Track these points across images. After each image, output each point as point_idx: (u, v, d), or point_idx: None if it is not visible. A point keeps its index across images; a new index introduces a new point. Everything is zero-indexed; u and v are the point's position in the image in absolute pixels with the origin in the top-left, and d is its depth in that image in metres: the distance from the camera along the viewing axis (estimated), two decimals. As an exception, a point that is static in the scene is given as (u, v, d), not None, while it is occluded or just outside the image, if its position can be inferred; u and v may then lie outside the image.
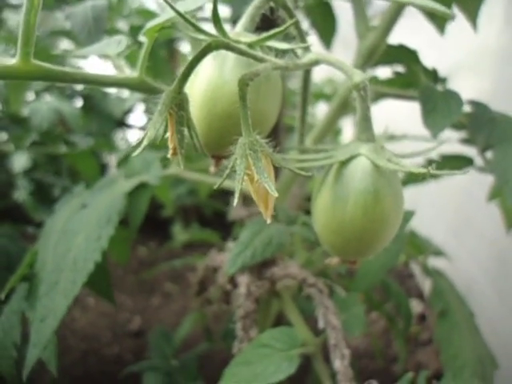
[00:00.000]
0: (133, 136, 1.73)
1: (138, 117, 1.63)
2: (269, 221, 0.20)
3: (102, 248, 0.38)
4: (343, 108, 0.41)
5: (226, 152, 0.26)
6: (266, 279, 0.41)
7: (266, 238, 0.36)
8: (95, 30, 0.62)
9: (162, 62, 0.88)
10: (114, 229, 0.39)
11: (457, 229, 1.19)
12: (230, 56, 0.24)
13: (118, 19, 0.99)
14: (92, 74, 0.26)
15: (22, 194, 1.24)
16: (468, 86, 1.05)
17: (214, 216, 1.71)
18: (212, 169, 0.27)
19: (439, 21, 0.53)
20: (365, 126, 0.24)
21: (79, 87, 1.38)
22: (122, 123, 1.62)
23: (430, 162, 0.70)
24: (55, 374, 0.40)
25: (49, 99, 1.16)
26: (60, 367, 0.44)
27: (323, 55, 0.24)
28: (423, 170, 0.22)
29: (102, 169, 1.44)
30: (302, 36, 0.26)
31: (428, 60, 0.60)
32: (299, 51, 0.26)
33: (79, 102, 1.36)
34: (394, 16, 0.41)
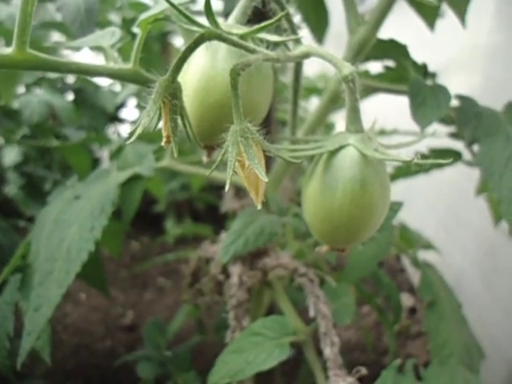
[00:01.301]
0: (125, 130, 1.73)
1: (130, 111, 1.62)
2: (259, 207, 0.21)
3: (96, 238, 0.39)
4: (334, 102, 0.42)
5: (218, 142, 0.27)
6: (258, 269, 0.42)
7: (258, 227, 0.36)
8: (87, 21, 0.62)
9: (155, 55, 0.88)
10: (107, 219, 0.40)
11: (447, 223, 1.21)
12: (222, 47, 0.24)
13: (110, 11, 0.98)
14: (86, 63, 0.27)
15: (12, 188, 1.23)
16: (458, 83, 1.06)
17: (207, 210, 1.71)
18: (204, 159, 0.28)
19: (429, 18, 0.54)
20: (353, 117, 0.25)
21: (71, 80, 1.37)
22: (114, 117, 1.61)
23: (418, 155, 0.71)
24: (49, 362, 0.41)
25: (39, 92, 1.14)
26: (52, 361, 0.45)
27: (314, 48, 0.25)
28: (409, 160, 0.23)
29: (95, 163, 1.43)
30: (293, 29, 0.27)
31: (419, 57, 0.61)
32: (290, 44, 0.27)
33: (70, 96, 1.35)
34: (384, 10, 0.41)
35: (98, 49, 0.78)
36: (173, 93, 0.21)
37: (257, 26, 0.23)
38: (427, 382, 0.41)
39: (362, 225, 0.26)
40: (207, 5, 0.21)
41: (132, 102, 1.59)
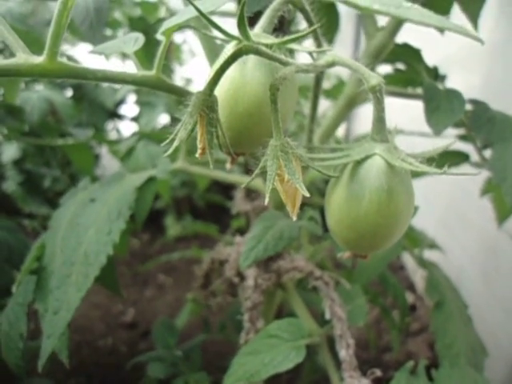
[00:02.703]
0: (125, 127, 1.73)
1: (129, 107, 1.62)
2: (294, 218, 0.21)
3: (114, 242, 0.39)
4: (350, 106, 0.42)
5: (244, 150, 0.27)
6: (272, 272, 0.42)
7: (277, 232, 0.37)
8: (97, 21, 0.62)
9: (155, 44, 0.88)
10: (124, 223, 0.40)
11: (447, 221, 1.22)
12: (251, 57, 0.25)
13: (115, 10, 0.98)
14: (111, 71, 0.27)
15: (11, 184, 1.23)
16: (458, 82, 1.07)
17: (207, 207, 1.72)
18: (228, 165, 0.28)
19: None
20: (379, 127, 0.26)
21: None
22: (113, 114, 1.61)
23: (428, 158, 0.72)
24: (67, 364, 0.41)
25: (39, 88, 1.14)
26: (55, 358, 0.45)
27: (340, 57, 0.25)
28: (438, 171, 0.23)
29: (94, 159, 1.43)
30: (317, 37, 0.27)
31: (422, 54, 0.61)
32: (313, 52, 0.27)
33: (70, 92, 1.35)
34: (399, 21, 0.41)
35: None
36: (210, 106, 0.21)
37: (288, 37, 0.23)
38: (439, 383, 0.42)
39: (386, 233, 0.26)
40: (241, 18, 0.21)
41: (131, 98, 1.58)
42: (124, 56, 1.25)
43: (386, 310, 0.79)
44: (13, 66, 0.23)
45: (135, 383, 0.75)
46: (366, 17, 0.41)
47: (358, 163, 0.26)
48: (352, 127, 2.07)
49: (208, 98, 0.22)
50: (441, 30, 0.58)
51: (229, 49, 0.26)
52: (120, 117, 1.67)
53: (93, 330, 1.21)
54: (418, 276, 1.38)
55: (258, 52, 0.21)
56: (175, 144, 0.21)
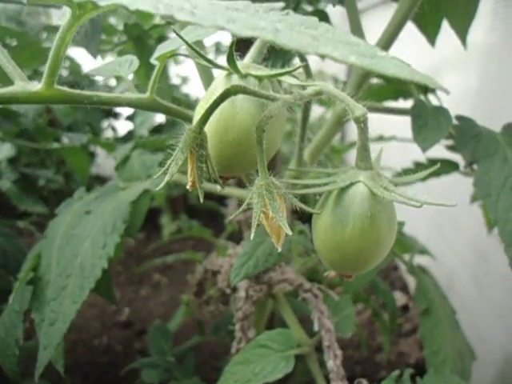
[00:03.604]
0: (120, 125, 1.73)
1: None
2: (279, 250, 0.22)
3: (108, 255, 0.40)
4: (339, 124, 0.44)
5: (234, 174, 0.28)
6: (263, 283, 0.43)
7: (267, 248, 0.38)
8: (91, 30, 0.63)
9: (149, 50, 0.88)
10: (119, 236, 0.41)
11: (439, 226, 1.23)
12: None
13: (111, 15, 0.98)
14: (106, 95, 0.28)
15: (5, 182, 1.23)
16: (454, 82, 1.08)
17: (202, 206, 1.72)
18: (219, 188, 0.29)
19: (430, 35, 0.56)
20: (364, 155, 0.27)
21: (64, 73, 1.36)
22: (108, 112, 1.61)
23: (417, 166, 0.74)
24: (62, 373, 0.42)
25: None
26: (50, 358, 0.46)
27: (327, 86, 0.26)
28: (417, 203, 0.24)
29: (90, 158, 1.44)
30: (307, 66, 0.28)
31: (416, 56, 0.62)
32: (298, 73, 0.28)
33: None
34: (388, 41, 0.43)
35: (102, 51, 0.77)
36: (200, 144, 0.22)
37: (277, 71, 0.24)
38: (423, 391, 0.43)
39: (369, 256, 0.28)
40: (230, 53, 0.22)
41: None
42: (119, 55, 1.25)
43: (378, 313, 0.81)
44: (11, 93, 0.24)
45: (131, 382, 0.76)
46: (354, 34, 0.42)
47: (343, 190, 0.27)
48: (348, 131, 2.08)
49: (198, 136, 0.23)
50: (432, 43, 0.59)
51: (219, 80, 0.27)
52: (115, 115, 1.68)
53: (88, 329, 1.22)
54: (411, 277, 1.40)
55: (245, 91, 0.22)
56: (166, 179, 0.22)
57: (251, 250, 0.38)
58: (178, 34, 0.24)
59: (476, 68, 0.99)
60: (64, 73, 1.36)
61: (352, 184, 0.27)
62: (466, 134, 0.44)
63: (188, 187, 0.23)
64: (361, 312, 1.30)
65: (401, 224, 0.40)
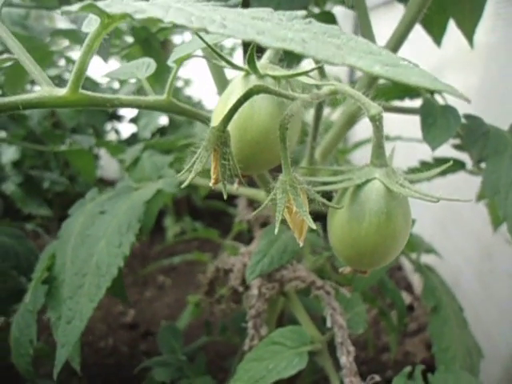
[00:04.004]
0: (124, 128, 1.74)
1: (128, 109, 1.63)
2: (301, 244, 0.23)
3: (124, 254, 0.41)
4: (350, 123, 0.44)
5: (252, 172, 0.29)
6: (275, 281, 0.44)
7: (281, 245, 0.39)
8: (102, 34, 0.64)
9: (156, 51, 0.89)
10: (134, 236, 0.41)
11: (444, 224, 1.23)
12: (260, 85, 0.26)
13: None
14: (126, 98, 0.29)
15: (10, 185, 1.24)
16: (455, 81, 1.08)
17: (205, 208, 1.73)
18: (236, 185, 0.29)
19: (436, 35, 0.56)
20: (379, 152, 0.27)
21: (68, 76, 1.37)
22: (112, 115, 1.62)
23: (423, 165, 0.74)
24: (78, 370, 0.43)
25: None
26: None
27: (342, 86, 0.27)
28: (433, 198, 0.25)
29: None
30: (321, 68, 0.29)
31: (418, 55, 0.63)
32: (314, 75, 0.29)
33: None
34: (398, 42, 0.43)
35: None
36: (223, 142, 0.23)
37: (294, 72, 0.25)
38: (435, 387, 0.44)
39: (385, 252, 0.28)
40: (251, 56, 0.23)
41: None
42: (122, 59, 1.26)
43: (384, 312, 0.81)
44: (39, 99, 0.25)
45: (137, 383, 0.77)
46: (365, 37, 0.43)
47: (359, 187, 0.27)
48: (350, 132, 2.09)
49: (222, 134, 0.23)
50: (438, 44, 0.60)
51: (237, 80, 0.28)
52: (119, 118, 1.68)
53: (94, 331, 1.23)
54: (416, 277, 1.40)
55: (267, 91, 0.23)
56: (191, 176, 0.23)
57: (266, 247, 0.39)
58: (200, 37, 0.25)
59: (478, 68, 1.00)
60: (68, 77, 1.37)
61: (368, 181, 0.27)
62: (475, 132, 0.45)
63: (211, 184, 0.24)
64: (366, 312, 1.31)
65: (413, 221, 0.41)
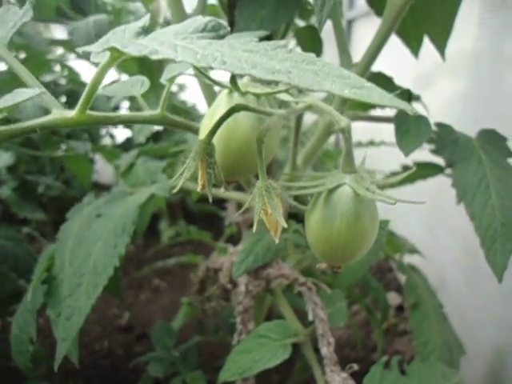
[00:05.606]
0: (118, 132, 1.76)
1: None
2: (277, 241, 0.26)
3: (120, 254, 0.44)
4: (328, 133, 0.48)
5: (236, 178, 0.32)
6: (262, 279, 0.47)
7: (265, 244, 0.42)
8: (97, 45, 0.67)
9: (149, 61, 0.92)
10: (129, 237, 0.44)
11: (432, 226, 1.26)
12: (241, 101, 0.30)
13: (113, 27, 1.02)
14: (125, 115, 0.32)
15: (5, 189, 1.25)
16: (446, 86, 1.12)
17: (199, 212, 1.75)
18: (222, 190, 0.33)
19: (414, 47, 0.60)
20: (348, 160, 0.31)
21: (63, 82, 1.40)
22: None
23: (405, 169, 0.78)
24: (77, 364, 0.45)
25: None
26: (52, 361, 0.49)
27: (315, 102, 0.30)
28: (393, 201, 0.29)
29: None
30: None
31: (409, 61, 0.66)
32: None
33: (63, 99, 1.37)
34: (374, 53, 0.47)
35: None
36: (209, 153, 0.27)
37: (272, 90, 0.29)
38: (409, 376, 0.47)
39: (355, 248, 0.32)
40: (233, 76, 0.26)
41: (125, 104, 1.61)
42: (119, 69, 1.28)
43: (370, 310, 0.84)
44: (52, 121, 0.28)
45: (132, 384, 0.79)
46: (341, 54, 0.47)
47: (331, 191, 0.31)
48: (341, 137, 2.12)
49: (208, 146, 0.27)
50: (415, 55, 0.64)
51: (222, 96, 0.31)
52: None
53: (89, 334, 1.24)
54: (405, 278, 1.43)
55: (246, 109, 0.26)
56: (181, 183, 0.26)
57: (250, 246, 0.42)
58: (185, 58, 0.28)
59: (464, 74, 1.04)
60: (62, 81, 1.39)
61: (339, 186, 0.31)
62: (445, 139, 0.48)
63: (198, 190, 0.27)
64: (357, 313, 1.33)
65: (386, 222, 0.44)
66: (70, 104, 1.23)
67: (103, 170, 1.82)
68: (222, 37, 0.25)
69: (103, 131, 1.75)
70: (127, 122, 0.32)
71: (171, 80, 0.33)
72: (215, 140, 0.29)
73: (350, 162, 0.31)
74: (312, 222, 0.32)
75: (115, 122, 0.30)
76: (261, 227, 0.29)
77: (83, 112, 0.28)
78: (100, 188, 1.89)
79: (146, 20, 0.29)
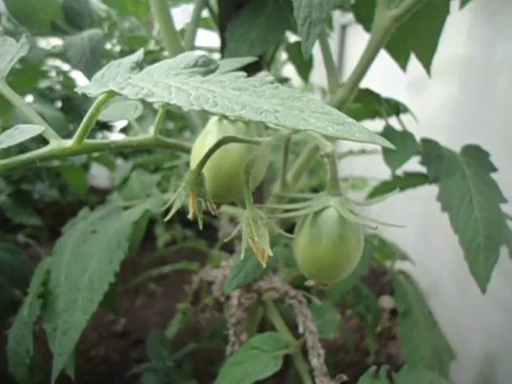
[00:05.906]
0: (114, 138, 1.76)
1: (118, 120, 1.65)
2: (264, 266, 0.28)
3: (115, 270, 0.45)
4: (315, 151, 0.49)
5: (226, 200, 0.34)
6: (254, 292, 0.49)
7: (255, 261, 0.43)
8: (92, 60, 0.68)
9: None
10: (124, 253, 0.46)
11: (425, 232, 1.27)
12: (231, 129, 0.31)
13: (107, 42, 1.03)
14: (121, 141, 0.34)
15: (0, 196, 1.25)
16: (438, 91, 1.14)
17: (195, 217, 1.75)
18: (213, 212, 0.34)
19: (401, 61, 0.62)
20: (334, 183, 0.33)
21: (59, 87, 1.40)
22: (103, 125, 1.65)
23: (395, 178, 0.80)
24: (73, 377, 0.46)
25: (29, 102, 1.17)
26: (49, 368, 0.50)
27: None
28: (374, 224, 0.30)
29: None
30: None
31: (398, 67, 0.67)
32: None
33: (59, 104, 1.38)
34: (360, 74, 0.48)
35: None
36: (199, 183, 0.28)
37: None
38: (397, 384, 0.49)
39: (340, 267, 0.33)
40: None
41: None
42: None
43: (362, 315, 0.86)
44: (51, 152, 0.29)
45: (129, 391, 0.80)
46: (329, 74, 0.48)
47: (317, 213, 0.33)
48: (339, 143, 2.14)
49: (198, 177, 0.28)
50: (403, 69, 0.65)
51: (213, 122, 0.32)
52: (109, 128, 1.71)
53: (85, 340, 1.25)
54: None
55: (234, 140, 0.28)
56: (172, 212, 0.28)
57: (241, 264, 0.44)
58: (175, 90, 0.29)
59: (457, 78, 1.05)
60: (57, 87, 1.39)
61: (324, 208, 0.32)
62: (430, 154, 0.50)
63: (189, 216, 0.28)
64: (350, 318, 1.35)
65: (375, 238, 0.46)
66: (65, 110, 1.23)
67: (98, 174, 1.83)
68: (212, 71, 0.26)
69: (99, 136, 1.75)
70: (123, 148, 0.33)
71: (165, 108, 0.35)
72: (206, 166, 0.30)
73: (336, 185, 0.32)
74: (299, 242, 0.34)
75: (111, 149, 0.32)
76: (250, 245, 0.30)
77: (80, 142, 0.29)
78: (95, 192, 1.89)
79: (139, 55, 0.30)
